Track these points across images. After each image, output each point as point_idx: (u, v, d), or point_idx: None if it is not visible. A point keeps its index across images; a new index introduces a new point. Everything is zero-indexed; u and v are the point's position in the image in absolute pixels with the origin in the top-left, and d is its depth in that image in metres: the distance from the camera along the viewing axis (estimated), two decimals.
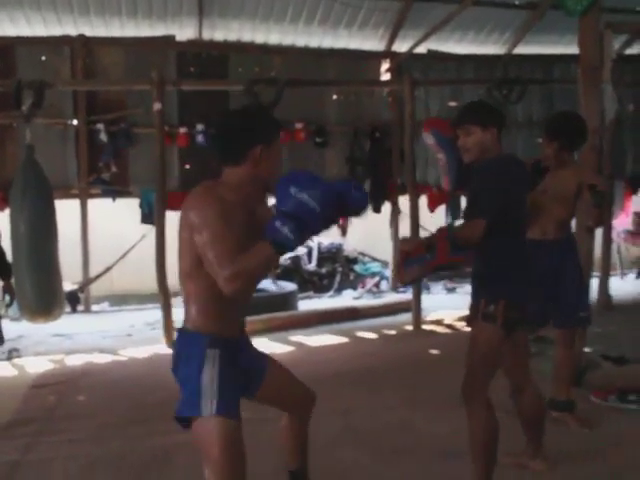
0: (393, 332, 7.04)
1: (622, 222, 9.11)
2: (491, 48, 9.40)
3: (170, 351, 6.26)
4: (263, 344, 6.49)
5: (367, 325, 7.36)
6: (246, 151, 2.33)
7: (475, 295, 3.10)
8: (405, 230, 7.63)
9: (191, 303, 2.40)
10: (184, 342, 2.45)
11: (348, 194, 2.32)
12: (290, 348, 6.44)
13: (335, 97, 9.12)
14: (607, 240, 7.55)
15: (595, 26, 4.89)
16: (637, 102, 9.71)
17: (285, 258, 9.43)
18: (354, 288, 9.24)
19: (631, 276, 9.25)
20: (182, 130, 8.08)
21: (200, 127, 8.15)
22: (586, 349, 5.07)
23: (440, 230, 3.11)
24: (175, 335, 2.57)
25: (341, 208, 2.27)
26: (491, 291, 3.01)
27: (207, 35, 8.31)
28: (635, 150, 9.89)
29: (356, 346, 6.57)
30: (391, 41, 8.88)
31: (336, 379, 5.27)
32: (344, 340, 6.72)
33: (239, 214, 2.32)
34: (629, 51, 9.44)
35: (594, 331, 5.08)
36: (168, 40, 8.21)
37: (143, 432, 4.18)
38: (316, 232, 2.25)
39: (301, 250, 9.60)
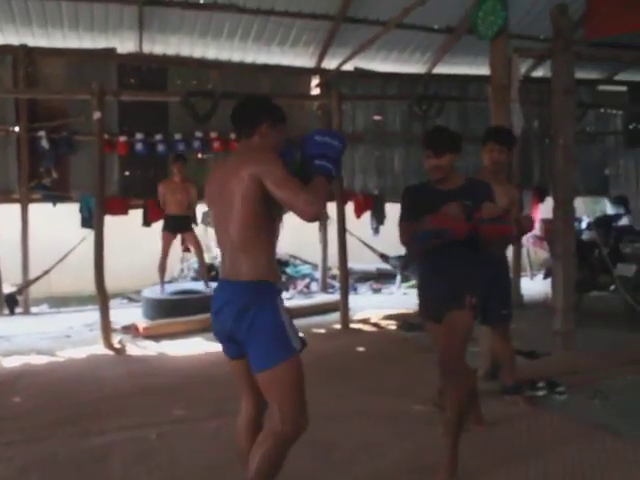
0: (322, 331, 7.01)
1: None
2: (413, 67, 9.53)
3: (107, 351, 6.13)
4: (198, 343, 6.39)
5: (297, 324, 7.27)
6: (255, 126, 2.69)
7: (454, 286, 3.34)
8: (333, 235, 7.64)
9: (254, 256, 2.54)
10: (253, 292, 2.54)
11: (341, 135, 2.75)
12: None
13: None
14: (518, 245, 7.76)
15: (504, 50, 4.99)
16: (542, 119, 10.02)
17: (220, 261, 9.29)
18: (286, 289, 9.18)
19: (539, 277, 9.54)
20: (122, 139, 7.86)
21: (140, 136, 7.96)
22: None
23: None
24: (222, 291, 2.63)
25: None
26: (473, 284, 3.37)
27: (147, 48, 8.12)
28: (540, 162, 10.22)
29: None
30: (321, 58, 8.88)
31: None
32: None
33: None
34: (534, 73, 9.72)
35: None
36: (109, 52, 7.98)
37: (79, 432, 4.02)
38: (340, 157, 2.64)
39: None
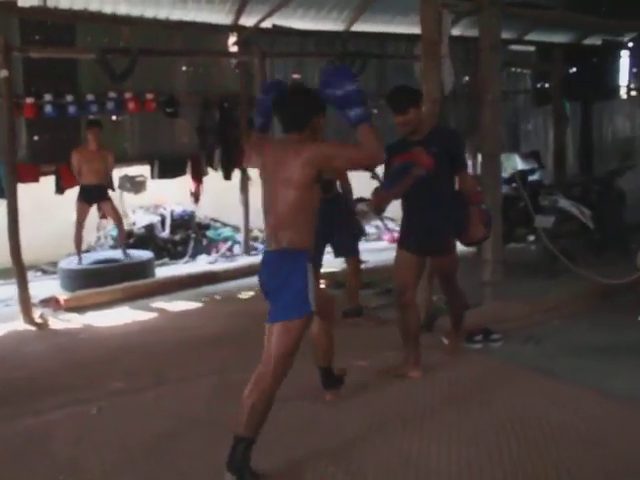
0: (251, 293, 6.90)
1: None
2: (331, 25, 9.36)
3: (28, 327, 5.76)
4: (125, 313, 6.15)
5: (225, 288, 7.18)
6: (308, 121, 2.97)
7: (442, 231, 4.02)
8: (254, 196, 7.46)
9: (297, 228, 2.88)
10: (290, 258, 2.89)
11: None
12: (153, 315, 6.13)
13: (185, 68, 8.69)
14: None
15: (434, 6, 4.95)
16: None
17: (139, 227, 8.96)
18: (208, 253, 8.98)
19: None
20: (29, 100, 7.27)
21: (48, 97, 7.38)
22: (434, 297, 5.24)
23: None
24: (263, 256, 3.03)
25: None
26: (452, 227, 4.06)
27: (52, 2, 7.49)
28: (457, 120, 10.38)
29: (217, 308, 6.37)
30: (238, 15, 8.54)
31: (203, 341, 5.09)
32: (205, 304, 6.50)
33: None
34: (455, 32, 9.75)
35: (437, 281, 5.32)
36: (9, 6, 7.27)
37: (10, 415, 3.76)
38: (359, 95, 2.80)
39: (154, 218, 9.17)
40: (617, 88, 11.67)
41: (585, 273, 5.70)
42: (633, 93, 11.39)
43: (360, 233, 6.81)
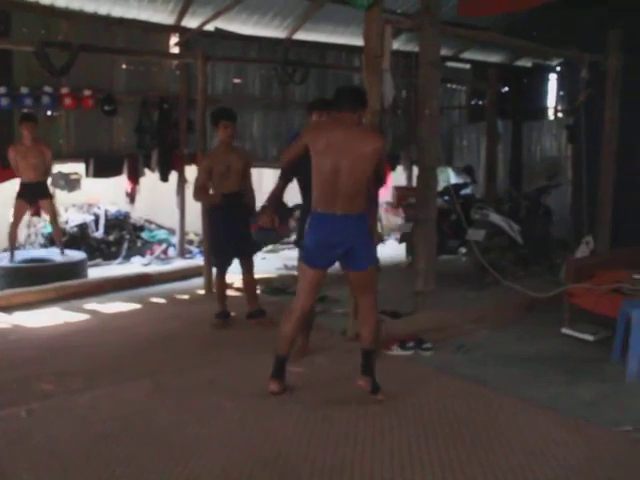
0: (186, 297, 6.85)
1: (383, 195, 9.74)
2: (273, 32, 9.39)
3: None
4: (56, 313, 5.98)
5: (160, 291, 7.08)
6: (361, 109, 3.81)
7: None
8: (190, 199, 7.40)
9: (360, 200, 3.72)
10: (361, 222, 3.76)
11: None
12: (85, 316, 5.98)
13: (125, 66, 8.53)
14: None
15: (378, 21, 5.04)
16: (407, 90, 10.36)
17: (71, 226, 8.73)
18: (142, 255, 8.84)
19: (391, 241, 9.97)
20: None
21: None
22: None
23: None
24: (335, 221, 3.72)
25: None
26: None
27: None
28: (393, 132, 10.61)
29: (152, 311, 6.29)
30: (181, 16, 8.47)
31: (137, 344, 5.02)
32: (139, 306, 6.40)
33: None
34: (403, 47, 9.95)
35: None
36: None
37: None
38: None
39: (88, 217, 8.95)
40: (545, 109, 12.17)
41: (513, 286, 5.93)
42: (559, 114, 11.89)
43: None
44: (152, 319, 5.92)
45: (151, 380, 4.13)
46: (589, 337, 5.14)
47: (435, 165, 5.64)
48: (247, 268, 5.65)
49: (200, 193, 5.42)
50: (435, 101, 5.54)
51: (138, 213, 9.38)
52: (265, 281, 7.19)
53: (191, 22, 8.65)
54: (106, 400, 3.86)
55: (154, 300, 6.66)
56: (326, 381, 4.20)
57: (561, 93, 12.06)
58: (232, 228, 5.40)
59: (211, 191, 5.47)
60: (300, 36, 9.54)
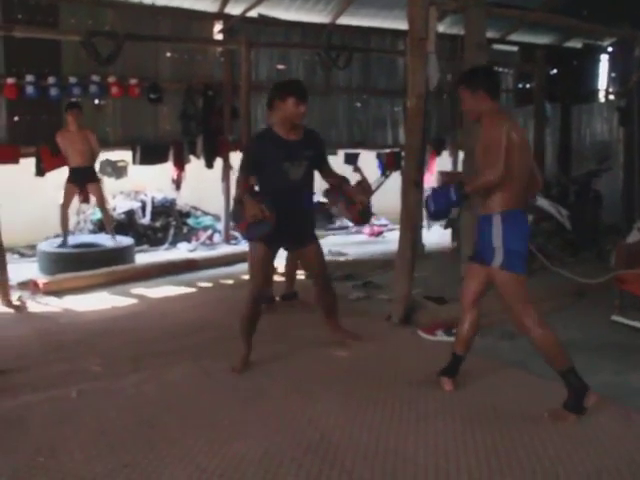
0: (231, 281, 6.91)
1: (428, 180, 9.61)
2: (316, 17, 9.35)
3: (6, 309, 5.69)
4: (104, 298, 6.12)
5: (205, 276, 7.17)
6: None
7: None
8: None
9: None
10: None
11: None
12: (133, 300, 6.11)
13: (169, 55, 8.63)
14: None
15: (423, 1, 4.97)
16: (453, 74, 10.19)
17: (119, 213, 8.90)
18: (188, 241, 8.96)
19: (437, 228, 9.85)
20: (10, 80, 7.18)
21: (30, 78, 7.30)
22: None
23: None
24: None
25: None
26: None
27: None
28: (438, 116, 10.47)
29: (197, 296, 6.38)
30: (224, 3, 8.51)
31: (183, 328, 5.09)
32: (185, 291, 6.49)
33: None
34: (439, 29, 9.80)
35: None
36: None
37: None
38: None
39: (135, 204, 9.12)
40: (596, 91, 11.83)
41: (561, 272, 5.79)
42: (611, 97, 11.55)
43: None
44: (198, 304, 5.99)
45: (195, 363, 4.19)
46: None
47: None
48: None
49: None
50: None
51: (184, 200, 9.52)
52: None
53: (234, 9, 8.68)
54: (152, 382, 3.93)
55: (200, 285, 6.74)
56: (370, 366, 4.19)
57: (613, 75, 11.71)
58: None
59: None
60: (343, 21, 9.48)
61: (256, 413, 3.46)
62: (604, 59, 11.83)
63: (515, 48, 11.24)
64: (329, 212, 8.63)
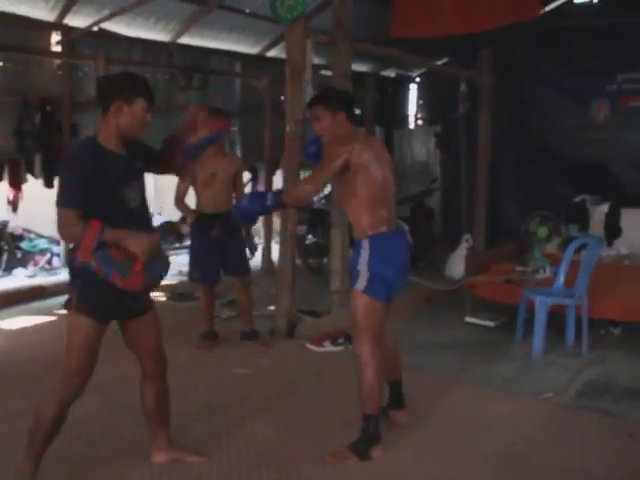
0: None
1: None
2: (157, 35, 9.32)
3: None
4: None
5: (51, 304, 6.77)
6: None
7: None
8: None
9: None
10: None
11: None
12: None
13: (1, 64, 8.06)
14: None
15: (301, 34, 5.38)
16: None
17: None
18: (24, 266, 8.40)
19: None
20: None
21: None
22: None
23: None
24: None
25: None
26: None
27: None
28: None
29: (61, 324, 6.06)
30: (63, 14, 8.16)
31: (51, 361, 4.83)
32: (45, 319, 6.16)
33: None
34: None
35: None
36: None
37: None
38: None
39: None
40: (406, 117, 13.12)
41: (416, 280, 6.50)
42: (419, 122, 12.87)
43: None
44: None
45: (100, 393, 4.06)
46: (490, 323, 5.84)
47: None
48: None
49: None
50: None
51: (14, 222, 8.88)
52: (168, 287, 7.22)
53: (73, 20, 8.35)
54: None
55: (59, 312, 6.42)
56: (276, 381, 4.45)
57: (420, 102, 13.07)
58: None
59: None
60: (184, 40, 9.55)
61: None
62: (413, 88, 13.18)
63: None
64: (179, 231, 8.63)
